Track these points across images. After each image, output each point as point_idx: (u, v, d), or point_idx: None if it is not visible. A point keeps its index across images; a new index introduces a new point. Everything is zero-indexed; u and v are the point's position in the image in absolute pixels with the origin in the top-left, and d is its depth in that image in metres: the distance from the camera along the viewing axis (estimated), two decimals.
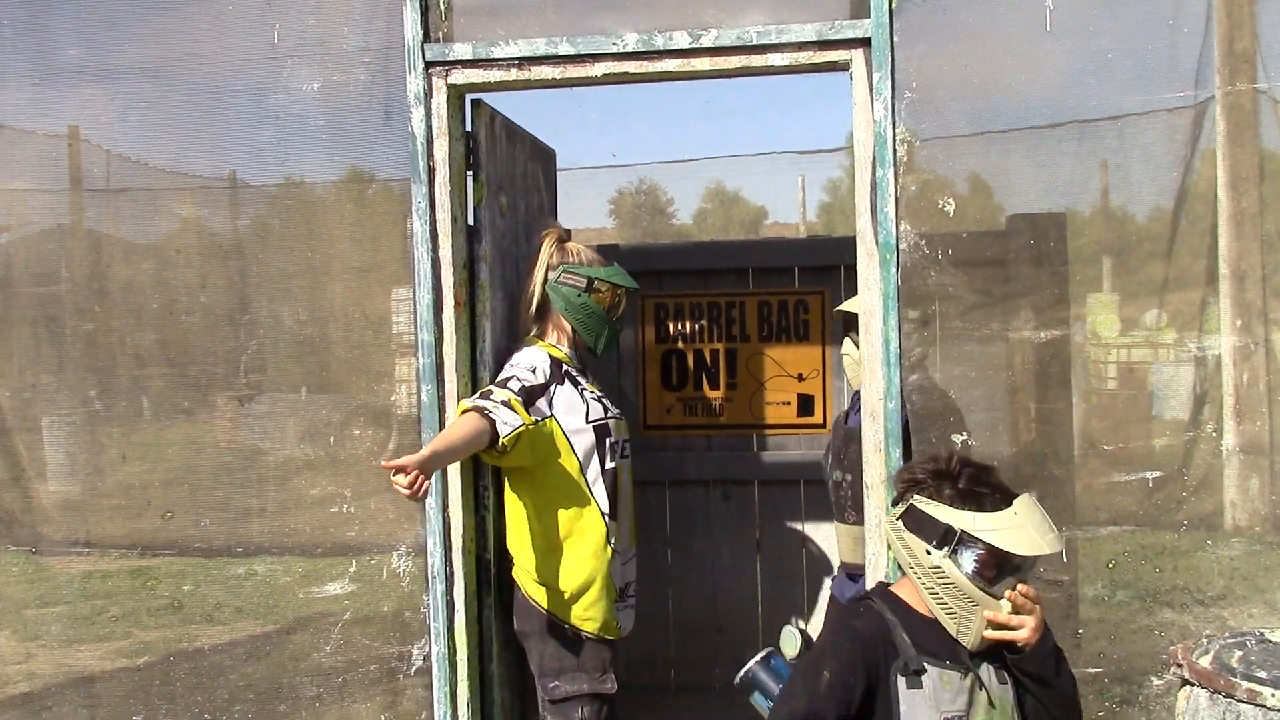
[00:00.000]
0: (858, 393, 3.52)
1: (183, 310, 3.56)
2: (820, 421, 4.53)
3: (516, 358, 3.29)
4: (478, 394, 3.15)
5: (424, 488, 2.78)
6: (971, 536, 2.39)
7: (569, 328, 3.38)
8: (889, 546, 3.05)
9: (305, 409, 3.60)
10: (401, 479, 2.74)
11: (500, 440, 3.01)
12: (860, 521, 3.24)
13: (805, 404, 4.55)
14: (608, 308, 3.39)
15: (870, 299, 3.07)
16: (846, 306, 3.64)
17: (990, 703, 2.43)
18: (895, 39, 2.99)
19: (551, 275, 3.37)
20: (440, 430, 3.16)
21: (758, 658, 2.84)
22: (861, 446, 3.10)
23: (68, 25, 3.48)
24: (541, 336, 3.40)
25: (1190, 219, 3.26)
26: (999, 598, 2.41)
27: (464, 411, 3.06)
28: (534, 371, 3.22)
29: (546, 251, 3.39)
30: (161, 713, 3.60)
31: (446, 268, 3.24)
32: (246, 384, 3.60)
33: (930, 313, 3.11)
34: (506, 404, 3.07)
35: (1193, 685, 2.58)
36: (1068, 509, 3.23)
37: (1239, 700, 2.44)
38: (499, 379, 3.22)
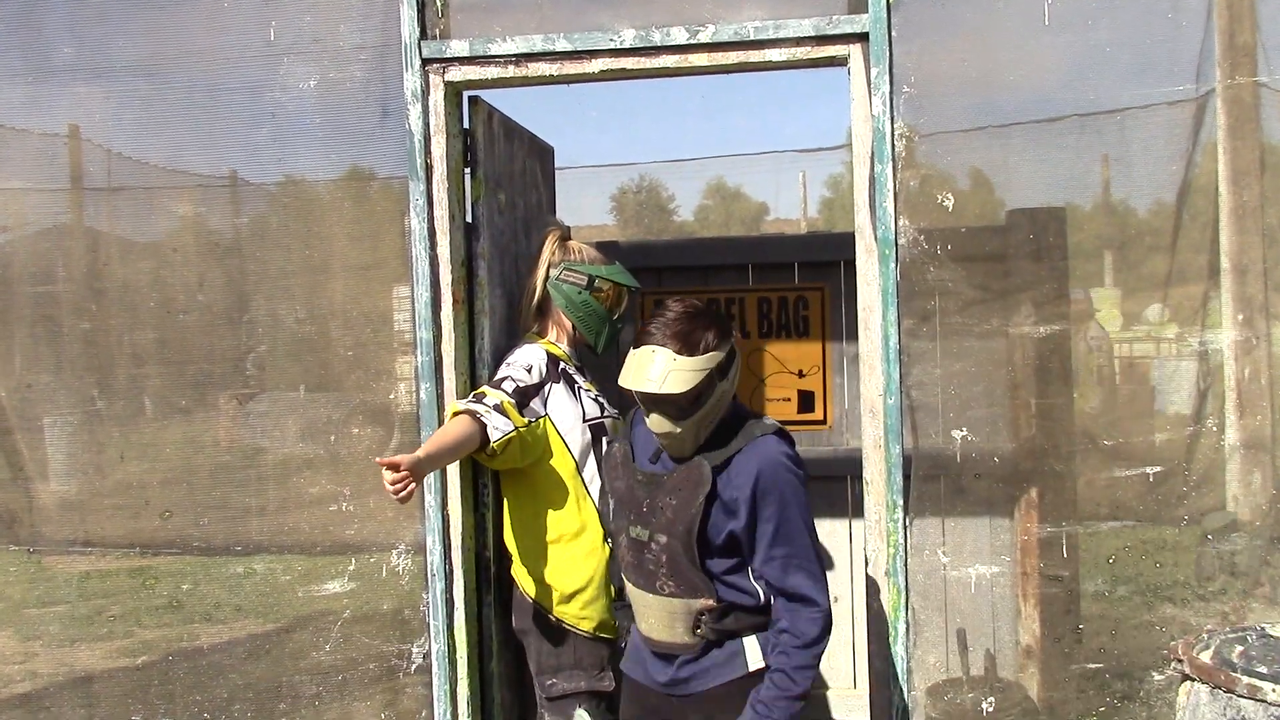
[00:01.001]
0: (633, 421, 2.87)
1: (181, 309, 3.56)
2: (821, 418, 4.52)
3: (514, 355, 3.28)
4: (471, 395, 3.14)
5: (410, 491, 2.78)
6: None
7: (569, 325, 3.38)
8: (889, 543, 3.04)
9: (305, 407, 3.60)
10: (391, 475, 2.74)
11: (490, 445, 3.02)
12: (680, 594, 2.66)
13: (805, 401, 4.54)
14: (609, 306, 3.38)
15: (869, 295, 3.07)
16: (634, 385, 2.62)
17: None
18: (893, 34, 2.98)
19: (553, 273, 3.37)
20: (437, 429, 3.16)
21: None
22: (673, 499, 2.67)
23: (60, 22, 3.48)
24: (541, 334, 3.40)
25: (1191, 213, 3.25)
26: None
27: (456, 414, 3.06)
28: (529, 370, 3.22)
29: (549, 249, 3.39)
30: (161, 712, 3.60)
31: (445, 265, 3.23)
32: (245, 383, 3.59)
33: (930, 308, 3.10)
34: (499, 407, 3.07)
35: (1194, 680, 2.58)
36: (1068, 504, 3.22)
37: (1240, 695, 2.43)
38: (494, 379, 3.21)
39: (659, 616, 2.72)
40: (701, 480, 2.63)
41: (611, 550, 3.30)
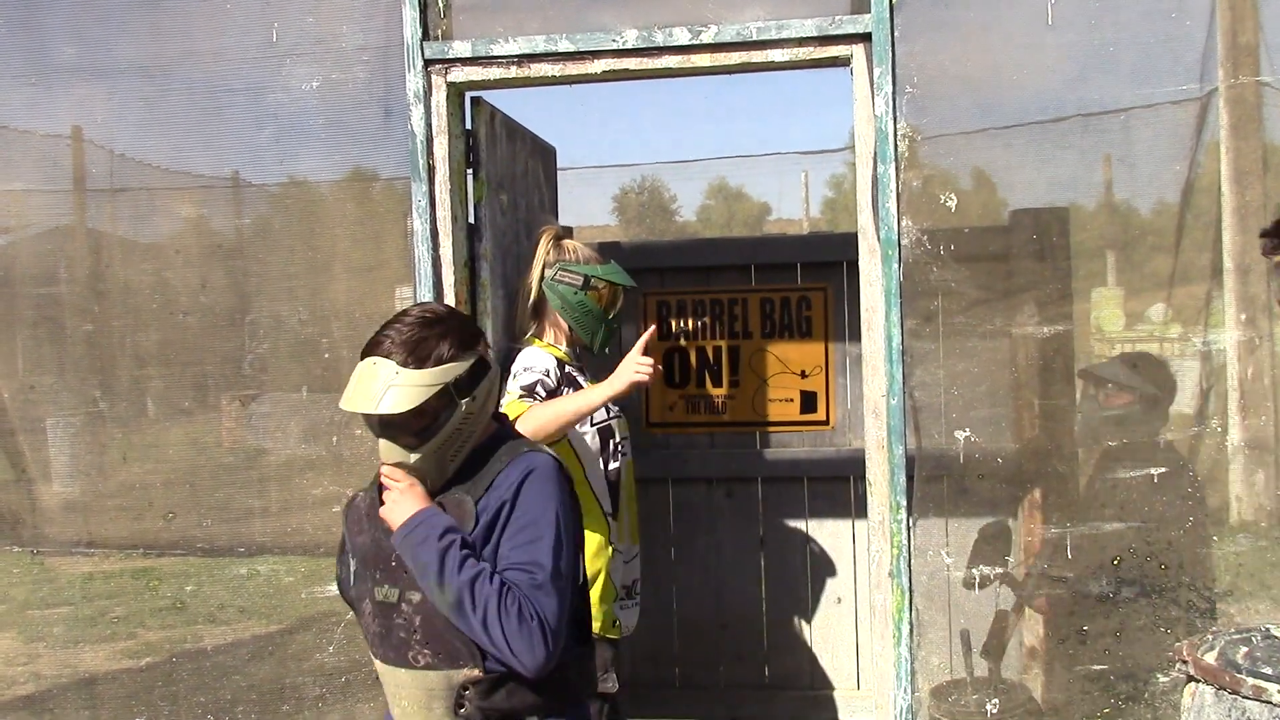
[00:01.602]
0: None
1: (183, 310, 3.56)
2: (823, 419, 4.52)
3: (528, 360, 3.25)
4: (519, 396, 3.12)
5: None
6: None
7: (566, 326, 3.36)
8: (893, 544, 3.03)
9: (307, 408, 3.60)
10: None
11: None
12: (439, 664, 2.19)
13: (808, 401, 4.54)
14: (605, 306, 3.36)
15: (872, 295, 3.06)
16: (348, 405, 2.21)
17: None
18: (896, 34, 2.97)
19: (548, 273, 3.35)
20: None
21: None
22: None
23: (63, 23, 3.48)
24: (539, 335, 3.38)
25: (1194, 213, 3.25)
26: None
27: (519, 413, 3.06)
28: (548, 374, 3.20)
29: (543, 249, 3.37)
30: (164, 714, 3.59)
31: (447, 266, 3.23)
32: (248, 384, 3.59)
33: (933, 309, 3.10)
34: None
35: (1198, 682, 2.57)
36: (1072, 505, 3.22)
37: (1244, 697, 2.43)
38: (524, 384, 3.18)
39: (413, 696, 2.24)
40: (463, 518, 2.20)
41: (615, 551, 3.29)
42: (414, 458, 2.20)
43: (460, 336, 2.24)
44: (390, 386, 2.15)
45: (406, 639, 2.23)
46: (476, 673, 2.18)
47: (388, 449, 2.21)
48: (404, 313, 2.25)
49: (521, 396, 3.12)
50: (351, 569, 2.36)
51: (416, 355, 2.18)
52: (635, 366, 3.10)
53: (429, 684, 2.21)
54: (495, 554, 2.18)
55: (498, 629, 2.09)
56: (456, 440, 2.23)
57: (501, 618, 2.08)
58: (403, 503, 2.19)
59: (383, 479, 2.23)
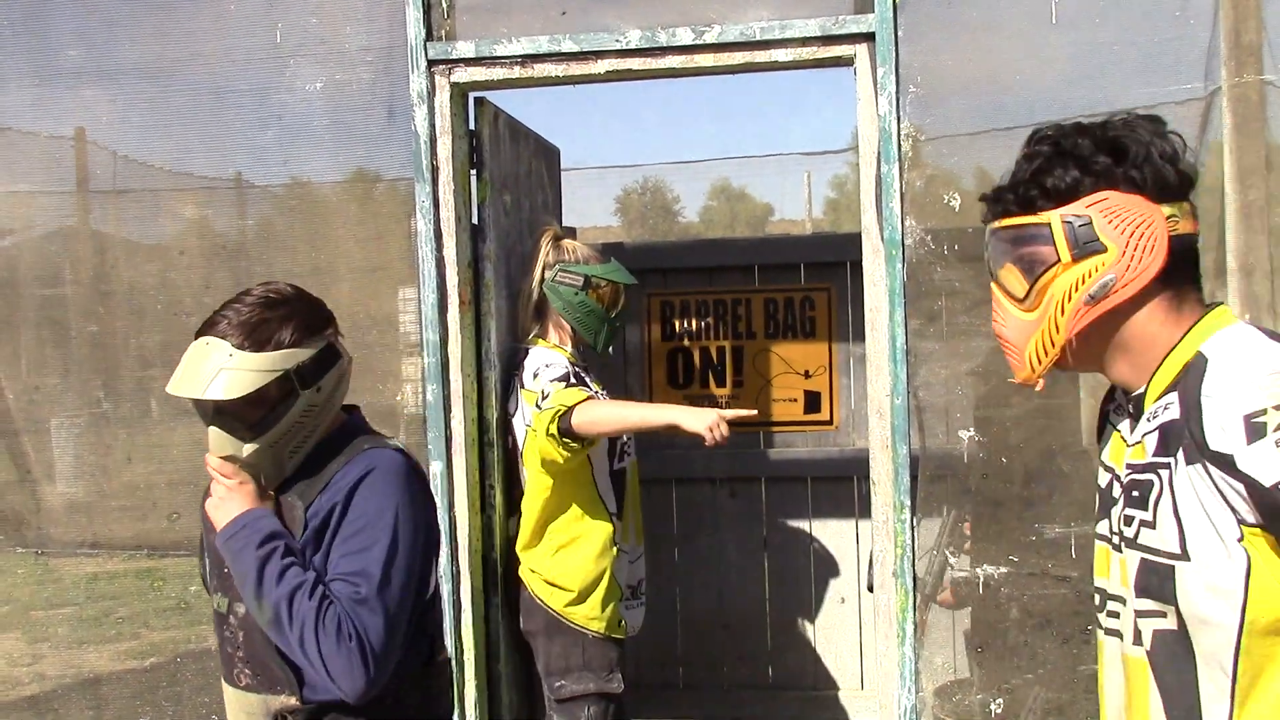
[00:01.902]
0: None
1: (187, 311, 3.56)
2: (827, 419, 4.52)
3: (544, 358, 3.25)
4: (565, 390, 3.10)
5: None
6: None
7: (569, 327, 3.36)
8: (896, 544, 3.03)
9: None
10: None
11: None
12: (258, 687, 2.01)
13: (812, 401, 4.54)
14: (606, 305, 3.36)
15: (876, 295, 3.06)
16: (174, 389, 1.99)
17: None
18: (899, 34, 2.97)
19: (548, 274, 3.34)
20: (446, 430, 3.16)
21: None
22: None
23: (67, 25, 3.48)
24: (543, 336, 3.38)
25: (1198, 213, 3.24)
26: None
27: (583, 399, 3.06)
28: (566, 370, 3.21)
29: (543, 250, 3.37)
30: (168, 714, 3.60)
31: (451, 267, 3.23)
32: None
33: (937, 308, 3.10)
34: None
35: None
36: (1075, 505, 3.21)
37: None
38: (557, 375, 3.16)
39: (237, 718, 2.07)
40: (294, 522, 2.00)
41: (620, 551, 3.29)
42: (247, 450, 1.98)
43: (306, 320, 2.02)
44: (222, 370, 1.94)
45: (232, 654, 2.05)
46: (293, 701, 1.98)
47: (218, 440, 1.99)
48: (246, 292, 2.04)
49: (568, 385, 3.10)
50: (207, 566, 2.17)
51: (254, 338, 1.96)
52: (721, 428, 3.05)
53: (249, 707, 2.03)
54: (326, 562, 1.96)
55: (314, 649, 1.87)
56: (297, 434, 2.01)
57: (319, 636, 1.86)
58: (229, 502, 2.00)
59: (210, 473, 2.03)
